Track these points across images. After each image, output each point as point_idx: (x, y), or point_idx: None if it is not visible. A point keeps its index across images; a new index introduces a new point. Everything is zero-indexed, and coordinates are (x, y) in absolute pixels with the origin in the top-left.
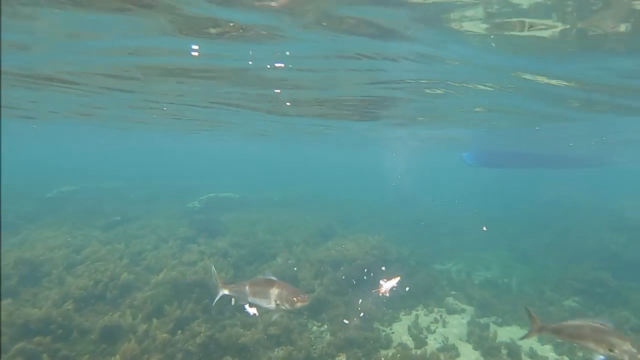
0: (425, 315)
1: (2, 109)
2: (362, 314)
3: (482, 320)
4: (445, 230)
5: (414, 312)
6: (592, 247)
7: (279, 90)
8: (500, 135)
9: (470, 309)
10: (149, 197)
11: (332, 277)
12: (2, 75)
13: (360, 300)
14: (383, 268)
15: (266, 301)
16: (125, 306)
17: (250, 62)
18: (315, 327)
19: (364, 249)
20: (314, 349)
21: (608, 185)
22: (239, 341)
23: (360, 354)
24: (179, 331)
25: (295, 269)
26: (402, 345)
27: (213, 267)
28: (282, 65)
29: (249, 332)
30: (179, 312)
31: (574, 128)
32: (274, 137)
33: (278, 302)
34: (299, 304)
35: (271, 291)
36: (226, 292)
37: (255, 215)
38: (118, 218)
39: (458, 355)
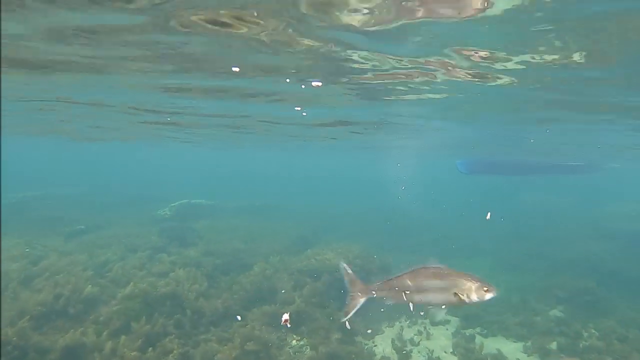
0: (409, 327)
1: None
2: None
3: (468, 332)
4: (430, 237)
5: (398, 324)
6: (576, 256)
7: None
8: (494, 141)
9: (455, 320)
10: (116, 204)
11: (312, 287)
12: None
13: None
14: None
15: (442, 294)
16: (89, 322)
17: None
18: (294, 341)
19: (346, 258)
20: None
21: (594, 193)
22: (215, 358)
23: None
24: (150, 348)
25: (284, 293)
26: (386, 359)
27: (343, 264)
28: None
29: (225, 347)
30: (148, 328)
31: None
32: (255, 141)
33: (461, 294)
34: (488, 295)
35: (451, 282)
36: (373, 294)
37: (232, 223)
38: (82, 227)
39: None
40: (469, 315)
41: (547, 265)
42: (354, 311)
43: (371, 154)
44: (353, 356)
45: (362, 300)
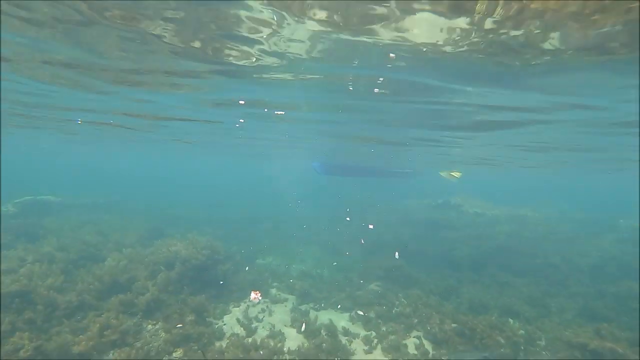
0: (253, 306)
1: None
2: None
3: (303, 307)
4: (267, 229)
5: (243, 304)
6: (390, 239)
7: None
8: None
9: (292, 298)
10: None
11: (166, 276)
12: None
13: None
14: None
15: None
16: None
17: None
18: (150, 326)
19: (194, 249)
20: (151, 347)
21: (403, 191)
22: (73, 350)
23: (196, 347)
24: None
25: (139, 282)
26: (235, 336)
27: None
28: None
29: (81, 337)
30: None
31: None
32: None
33: None
34: None
35: None
36: None
37: (81, 218)
38: None
39: (285, 339)
40: (303, 294)
41: (365, 248)
42: None
43: (219, 156)
44: (205, 335)
45: None
